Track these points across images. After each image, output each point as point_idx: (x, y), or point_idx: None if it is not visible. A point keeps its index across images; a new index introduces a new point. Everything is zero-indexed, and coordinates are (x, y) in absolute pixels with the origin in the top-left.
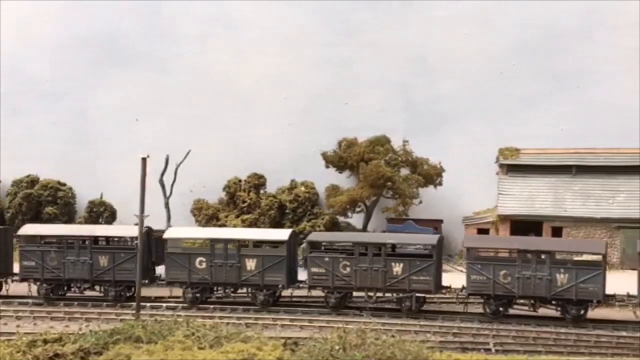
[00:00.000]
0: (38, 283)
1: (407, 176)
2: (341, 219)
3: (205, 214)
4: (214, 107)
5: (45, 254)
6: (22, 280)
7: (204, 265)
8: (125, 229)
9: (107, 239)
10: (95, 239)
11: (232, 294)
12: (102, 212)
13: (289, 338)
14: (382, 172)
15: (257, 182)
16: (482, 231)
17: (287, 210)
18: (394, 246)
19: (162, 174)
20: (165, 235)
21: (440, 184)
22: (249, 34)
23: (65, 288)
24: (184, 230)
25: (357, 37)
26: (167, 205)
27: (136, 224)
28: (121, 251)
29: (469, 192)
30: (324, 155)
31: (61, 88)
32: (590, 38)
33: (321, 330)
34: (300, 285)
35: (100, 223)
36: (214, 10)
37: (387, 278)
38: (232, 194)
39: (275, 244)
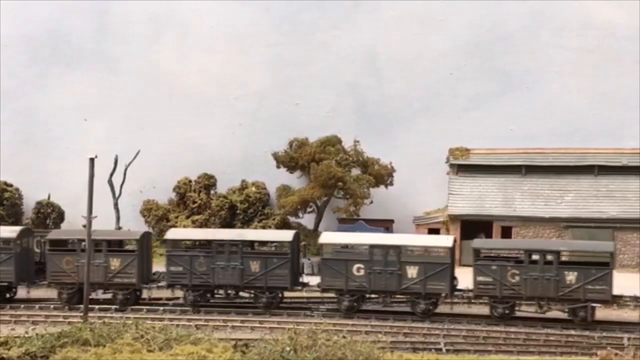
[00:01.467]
0: (185, 289)
1: (358, 176)
2: (292, 219)
3: (155, 215)
4: (164, 107)
5: (194, 259)
6: (169, 286)
7: (362, 272)
8: (277, 233)
9: (253, 243)
10: (245, 244)
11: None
12: (49, 213)
13: (240, 340)
14: (333, 172)
15: (208, 183)
16: (433, 231)
17: (238, 211)
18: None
19: (111, 175)
20: (321, 240)
21: (391, 184)
22: (199, 33)
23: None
24: (340, 235)
25: (307, 37)
26: (116, 206)
27: (84, 226)
28: (274, 256)
29: (420, 192)
30: (275, 156)
31: (7, 87)
32: (537, 39)
33: (272, 332)
34: (464, 294)
35: (48, 224)
36: (163, 9)
37: (560, 287)
38: (182, 194)
39: (438, 250)
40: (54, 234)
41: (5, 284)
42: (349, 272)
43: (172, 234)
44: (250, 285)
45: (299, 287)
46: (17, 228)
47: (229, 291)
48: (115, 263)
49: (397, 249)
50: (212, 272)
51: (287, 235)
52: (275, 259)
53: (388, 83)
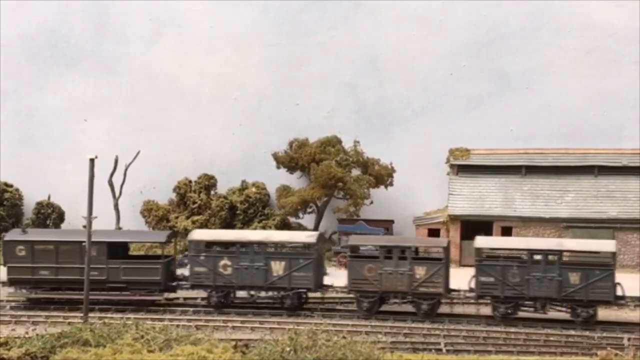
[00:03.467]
0: (494, 300)
1: (358, 177)
2: (292, 219)
3: (155, 215)
4: (164, 107)
5: (506, 270)
6: (479, 297)
7: None
8: (597, 243)
9: (561, 253)
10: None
11: None
12: (49, 213)
13: (240, 340)
14: (333, 172)
15: (208, 183)
16: (433, 231)
17: (238, 211)
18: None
19: (112, 175)
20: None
21: (391, 184)
22: (199, 33)
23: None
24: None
25: (307, 37)
26: (116, 206)
27: (84, 226)
28: (595, 268)
29: (420, 193)
30: (275, 156)
31: (6, 88)
32: (536, 39)
33: (272, 332)
34: None
35: (48, 225)
36: (162, 9)
37: None
38: (182, 195)
39: None
40: (354, 240)
41: (304, 290)
42: None
43: (480, 242)
44: (569, 298)
45: (622, 301)
46: (315, 233)
47: (543, 303)
48: (420, 272)
49: None
50: (526, 283)
51: (609, 245)
52: (598, 270)
53: (388, 83)
